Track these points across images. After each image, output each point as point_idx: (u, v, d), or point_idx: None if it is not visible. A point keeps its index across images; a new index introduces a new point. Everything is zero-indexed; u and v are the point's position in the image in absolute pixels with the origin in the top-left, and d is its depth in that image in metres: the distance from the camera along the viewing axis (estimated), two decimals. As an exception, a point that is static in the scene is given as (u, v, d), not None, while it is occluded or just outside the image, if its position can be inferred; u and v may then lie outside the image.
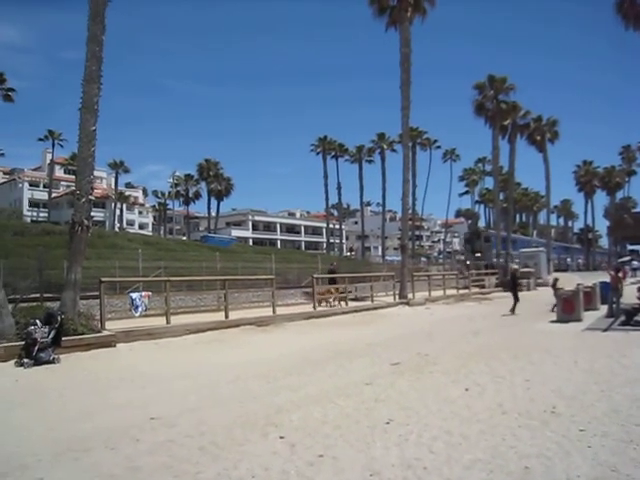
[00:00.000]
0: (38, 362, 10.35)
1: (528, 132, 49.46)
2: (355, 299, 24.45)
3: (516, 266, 27.20)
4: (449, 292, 30.57)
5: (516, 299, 20.56)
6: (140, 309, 14.70)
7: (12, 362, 10.46)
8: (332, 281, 24.20)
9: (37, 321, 11.14)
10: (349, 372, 9.61)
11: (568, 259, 79.39)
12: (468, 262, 47.07)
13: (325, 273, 26.86)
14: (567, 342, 12.44)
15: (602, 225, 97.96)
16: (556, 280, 19.66)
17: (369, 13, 29.18)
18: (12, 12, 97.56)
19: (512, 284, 21.57)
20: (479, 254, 51.51)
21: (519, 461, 4.87)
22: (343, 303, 23.05)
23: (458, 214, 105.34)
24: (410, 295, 26.91)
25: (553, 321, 16.79)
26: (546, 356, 10.50)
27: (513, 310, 20.21)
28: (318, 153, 75.28)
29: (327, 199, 75.58)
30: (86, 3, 13.44)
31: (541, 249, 50.26)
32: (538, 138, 51.61)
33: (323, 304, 22.30)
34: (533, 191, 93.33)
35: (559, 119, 53.24)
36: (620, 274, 18.23)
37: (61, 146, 68.33)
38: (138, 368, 10.52)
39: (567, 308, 16.97)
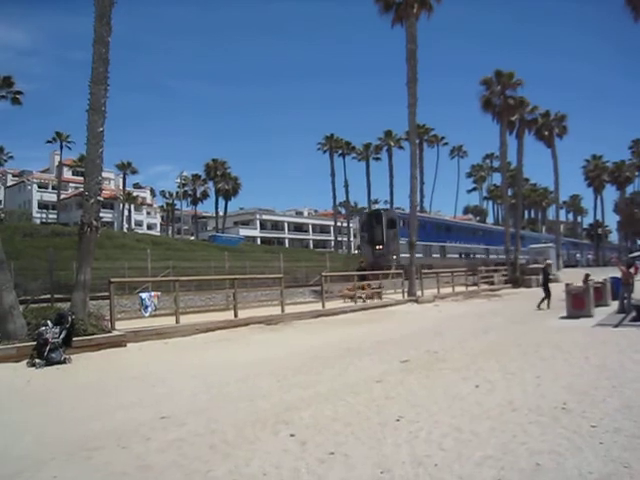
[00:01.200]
0: (49, 362, 10.42)
1: (536, 127, 49.16)
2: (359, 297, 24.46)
3: (550, 261, 27.07)
4: (458, 289, 30.51)
5: (547, 294, 20.74)
6: (150, 309, 14.77)
7: (24, 362, 10.53)
8: (362, 278, 25.41)
9: (48, 322, 11.22)
10: (359, 370, 9.60)
11: (577, 255, 78.95)
12: (362, 262, 31.84)
13: (351, 270, 28.44)
14: (578, 338, 12.37)
15: (612, 220, 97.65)
16: (587, 276, 19.52)
17: (375, 10, 29.18)
18: (19, 16, 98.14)
19: (544, 279, 21.60)
20: (380, 247, 37.43)
21: (530, 457, 4.85)
22: (377, 299, 24.52)
23: (466, 211, 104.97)
24: (419, 292, 26.88)
25: (563, 317, 16.71)
26: (556, 352, 10.45)
27: (544, 304, 20.45)
28: (325, 151, 75.22)
29: (334, 197, 75.57)
30: (92, 5, 13.48)
31: (550, 245, 49.94)
32: (546, 133, 51.35)
33: (348, 301, 23.05)
34: (542, 187, 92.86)
35: (567, 114, 53.00)
36: (632, 269, 18.09)
37: (69, 148, 68.70)
38: (148, 367, 10.57)
39: (577, 304, 16.89)
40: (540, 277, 37.05)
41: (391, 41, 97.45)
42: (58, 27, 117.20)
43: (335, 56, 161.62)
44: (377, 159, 75.86)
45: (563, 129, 53.00)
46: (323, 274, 22.24)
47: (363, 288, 24.38)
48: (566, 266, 54.58)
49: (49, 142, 69.29)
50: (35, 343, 10.77)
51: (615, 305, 17.73)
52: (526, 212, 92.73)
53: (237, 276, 19.43)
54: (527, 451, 5.02)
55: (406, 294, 26.49)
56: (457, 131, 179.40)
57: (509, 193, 49.07)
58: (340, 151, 75.71)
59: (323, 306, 20.39)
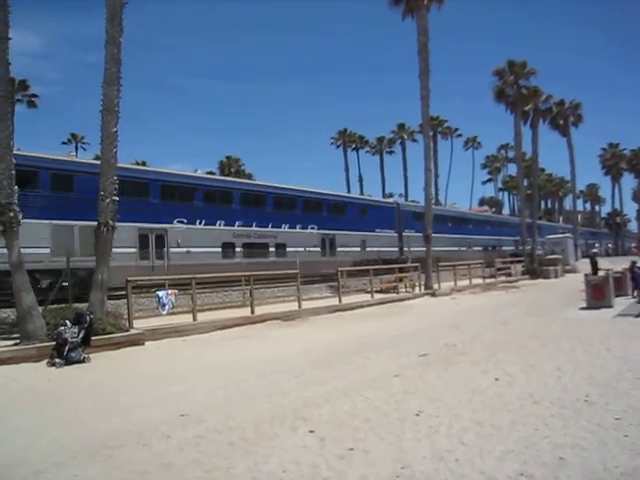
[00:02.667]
0: (69, 362, 10.52)
1: (551, 116, 48.68)
2: (380, 291, 24.38)
3: (595, 250, 26.76)
4: (475, 281, 30.27)
5: None
6: (167, 307, 14.83)
7: (44, 362, 10.64)
8: (401, 271, 26.94)
9: (67, 322, 11.32)
10: (376, 364, 9.56)
11: (596, 244, 78.10)
12: None
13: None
14: (598, 329, 12.20)
15: (631, 209, 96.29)
16: (634, 263, 19.18)
17: (385, 3, 28.97)
18: (32, 20, 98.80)
19: (593, 267, 21.21)
20: None
21: (553, 451, 4.78)
22: (410, 289, 26.03)
23: (482, 202, 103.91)
24: (436, 285, 26.73)
25: (583, 308, 16.51)
26: (577, 344, 10.31)
27: None
28: (338, 146, 75.03)
29: (349, 192, 75.40)
30: (103, 6, 13.51)
31: (568, 235, 49.35)
32: (561, 122, 50.86)
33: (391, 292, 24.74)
34: (558, 176, 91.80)
35: (582, 102, 52.33)
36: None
37: (84, 149, 69.09)
38: (166, 365, 10.62)
39: (597, 294, 16.67)
40: (558, 268, 37.01)
41: (402, 35, 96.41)
42: (71, 30, 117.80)
43: (346, 52, 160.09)
44: (391, 152, 75.66)
45: (578, 117, 52.40)
46: (339, 269, 22.18)
47: (400, 280, 25.96)
48: (584, 256, 54.00)
49: (64, 143, 69.80)
50: (54, 343, 10.88)
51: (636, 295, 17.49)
52: (542, 202, 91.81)
53: (253, 273, 19.44)
54: (550, 445, 4.95)
55: (423, 287, 26.38)
56: (471, 122, 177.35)
57: (525, 183, 48.53)
58: (353, 145, 75.54)
59: (340, 301, 20.35)
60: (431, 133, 41.91)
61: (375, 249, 32.67)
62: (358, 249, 31.92)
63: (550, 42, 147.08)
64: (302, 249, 27.95)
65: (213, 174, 78.85)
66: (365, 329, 14.85)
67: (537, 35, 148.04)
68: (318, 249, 29.65)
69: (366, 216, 33.50)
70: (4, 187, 11.70)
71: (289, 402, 7.15)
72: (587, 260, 44.75)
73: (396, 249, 35.09)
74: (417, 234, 32.48)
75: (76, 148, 69.06)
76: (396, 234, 35.85)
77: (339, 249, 30.54)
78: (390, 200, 44.53)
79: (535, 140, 44.75)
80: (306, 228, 29.10)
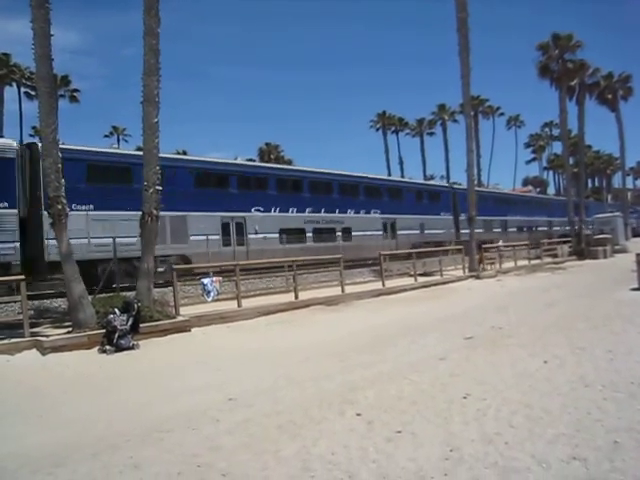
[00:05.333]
0: (119, 348, 10.80)
1: (598, 91, 46.78)
2: (424, 274, 24.13)
3: None
4: (520, 263, 29.73)
5: None
6: (212, 294, 15.02)
7: (95, 349, 10.94)
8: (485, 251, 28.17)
9: (116, 310, 11.63)
10: (422, 348, 9.51)
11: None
12: None
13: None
14: (651, 309, 11.83)
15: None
16: None
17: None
18: (71, 17, 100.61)
19: None
20: None
21: (607, 435, 4.67)
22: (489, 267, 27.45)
23: (526, 182, 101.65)
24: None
25: (634, 289, 16.00)
26: (629, 326, 10.03)
27: None
28: (378, 129, 74.33)
29: (389, 175, 74.76)
30: (140, -2, 13.62)
31: (617, 214, 47.72)
32: (609, 97, 48.82)
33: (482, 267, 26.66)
34: (606, 153, 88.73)
35: (632, 74, 50.15)
36: None
37: (126, 141, 70.25)
38: (213, 351, 10.80)
39: (649, 274, 16.13)
40: (607, 248, 35.94)
41: (440, 18, 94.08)
42: (108, 25, 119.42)
43: (384, 38, 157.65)
44: (431, 134, 74.49)
45: (628, 90, 50.21)
46: (382, 253, 22.06)
47: (480, 261, 26.99)
48: (635, 235, 52.32)
49: (106, 136, 71.12)
50: (104, 331, 11.18)
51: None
52: (589, 181, 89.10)
53: (296, 258, 19.52)
54: (603, 429, 4.84)
55: (467, 270, 26.02)
56: (513, 100, 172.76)
57: (571, 162, 47.12)
58: (393, 128, 74.73)
59: (383, 285, 20.25)
60: (472, 113, 41.05)
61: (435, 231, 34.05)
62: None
63: (595, 14, 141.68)
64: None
65: (253, 161, 79.78)
66: (409, 312, 14.77)
67: (581, 7, 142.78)
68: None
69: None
70: (52, 180, 12.01)
71: (335, 386, 7.19)
72: (639, 239, 43.48)
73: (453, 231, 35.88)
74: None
75: (118, 140, 70.39)
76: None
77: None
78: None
79: (581, 116, 43.25)
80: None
